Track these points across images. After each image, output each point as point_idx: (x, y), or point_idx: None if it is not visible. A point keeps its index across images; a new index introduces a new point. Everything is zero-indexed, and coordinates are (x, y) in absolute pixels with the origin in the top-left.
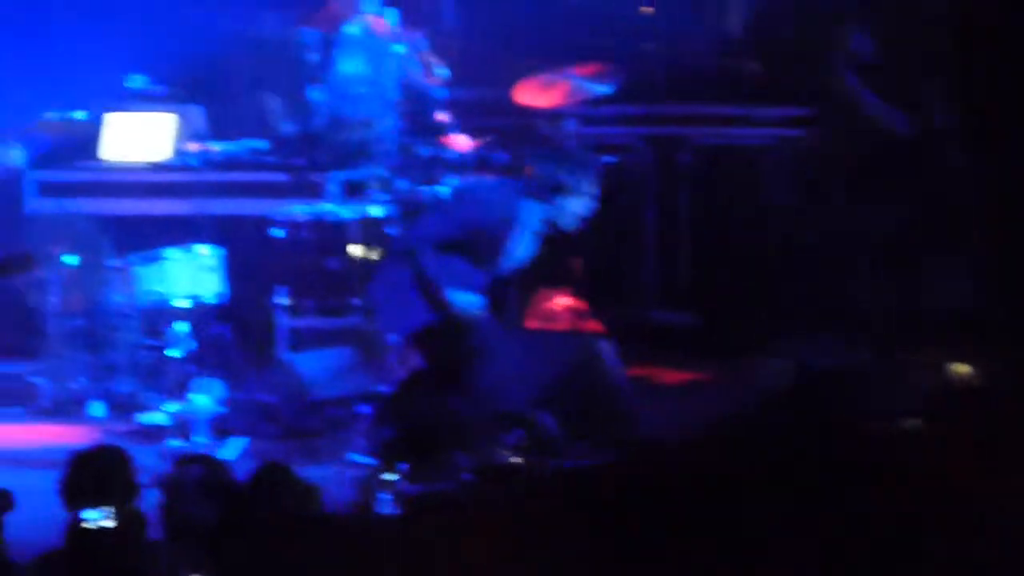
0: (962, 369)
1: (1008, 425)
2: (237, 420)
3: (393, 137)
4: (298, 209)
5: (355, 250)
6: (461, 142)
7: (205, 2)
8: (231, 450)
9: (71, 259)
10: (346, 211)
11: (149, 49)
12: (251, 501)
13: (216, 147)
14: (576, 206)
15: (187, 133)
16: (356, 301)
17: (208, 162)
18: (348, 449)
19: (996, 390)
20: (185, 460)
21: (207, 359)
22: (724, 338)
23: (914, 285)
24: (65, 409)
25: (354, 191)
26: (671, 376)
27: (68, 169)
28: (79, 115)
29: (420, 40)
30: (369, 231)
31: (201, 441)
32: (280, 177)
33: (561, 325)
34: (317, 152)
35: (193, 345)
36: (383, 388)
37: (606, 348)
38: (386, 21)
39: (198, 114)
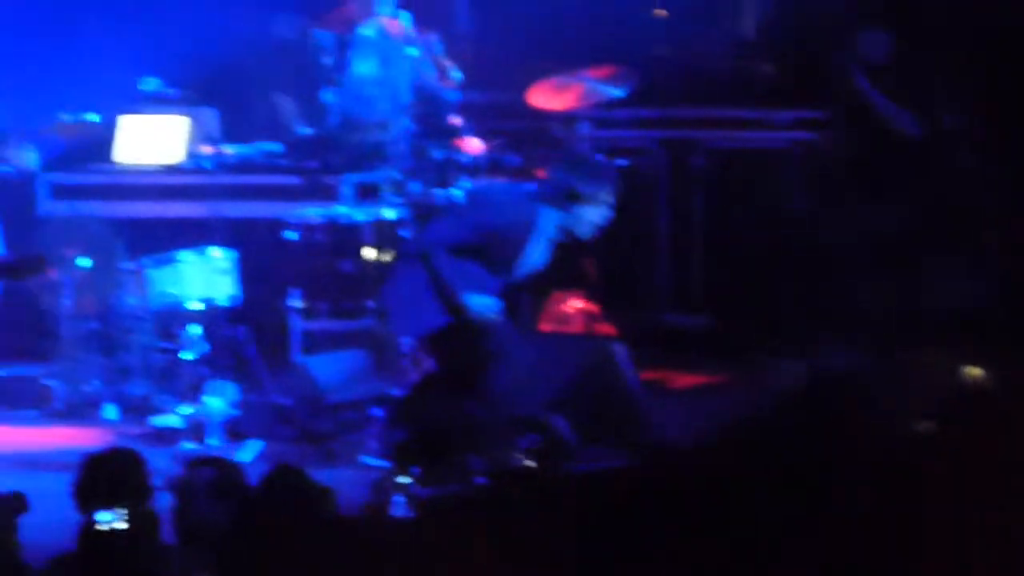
0: (974, 371)
1: (1020, 427)
2: (251, 423)
3: (407, 140)
4: (311, 212)
5: (368, 253)
6: (474, 145)
7: (218, 5)
8: (247, 453)
9: (84, 261)
10: (359, 214)
11: (162, 52)
12: (263, 504)
13: (229, 150)
14: (593, 215)
15: (200, 136)
16: (369, 304)
17: (221, 165)
18: (362, 452)
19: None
20: (197, 462)
21: (221, 362)
22: (737, 341)
23: (926, 287)
24: (79, 412)
25: (367, 193)
26: (684, 379)
27: (81, 172)
28: (93, 118)
29: (434, 42)
30: (382, 234)
31: (215, 444)
32: (293, 180)
33: (574, 328)
34: (331, 154)
35: (206, 348)
36: (396, 391)
37: (619, 351)
38: (400, 23)
39: (211, 117)
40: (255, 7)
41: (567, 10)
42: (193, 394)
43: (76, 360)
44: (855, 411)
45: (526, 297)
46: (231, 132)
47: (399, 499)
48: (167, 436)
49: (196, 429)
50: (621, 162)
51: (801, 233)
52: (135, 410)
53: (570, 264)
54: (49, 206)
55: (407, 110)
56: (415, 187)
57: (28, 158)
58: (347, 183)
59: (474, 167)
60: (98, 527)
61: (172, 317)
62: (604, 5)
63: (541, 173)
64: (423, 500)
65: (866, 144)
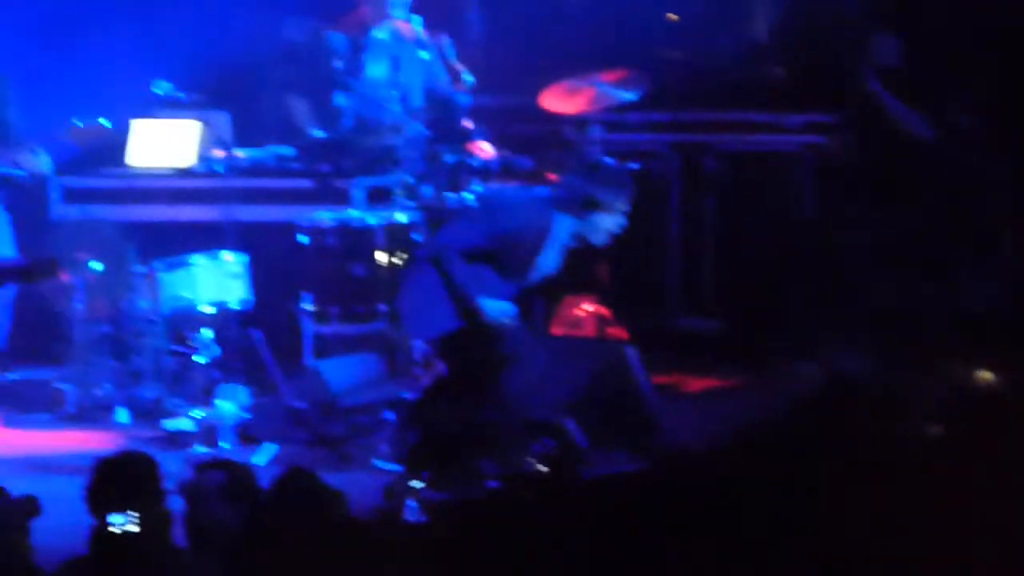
0: (986, 375)
1: None
2: (263, 426)
3: (419, 143)
4: (323, 215)
5: (380, 256)
6: (486, 149)
7: (230, 8)
8: (262, 456)
9: (97, 265)
10: (371, 217)
11: (174, 56)
12: (275, 507)
13: (241, 153)
14: (608, 223)
15: (212, 139)
16: (381, 307)
17: (233, 168)
18: (374, 456)
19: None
20: (207, 466)
21: (232, 365)
22: (749, 344)
23: (938, 290)
24: (91, 415)
25: (379, 197)
26: (696, 383)
27: (94, 175)
28: (106, 124)
29: (446, 46)
30: (394, 237)
31: (226, 447)
32: (305, 183)
33: (586, 332)
34: (343, 158)
35: (218, 351)
36: (408, 395)
37: (631, 355)
38: (412, 26)
39: (223, 120)
40: (266, 10)
41: (579, 14)
42: (205, 398)
43: (88, 364)
44: (869, 415)
45: (538, 301)
46: (243, 136)
47: (411, 503)
48: (179, 440)
49: (208, 433)
50: (633, 166)
51: (813, 236)
52: (147, 414)
53: (582, 268)
54: (61, 210)
55: (419, 114)
56: (427, 191)
57: (41, 163)
58: (359, 187)
59: (486, 171)
60: (111, 531)
61: (184, 321)
62: (616, 9)
63: (553, 177)
64: (435, 504)
65: (878, 147)
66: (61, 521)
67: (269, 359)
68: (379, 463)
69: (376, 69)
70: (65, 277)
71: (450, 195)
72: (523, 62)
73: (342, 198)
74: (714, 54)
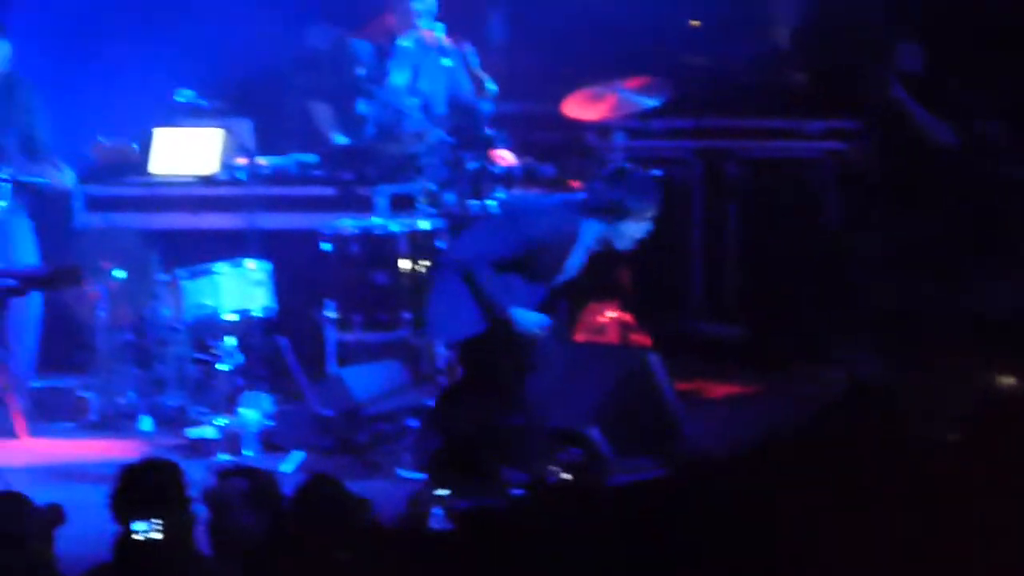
0: (1009, 380)
1: None
2: (287, 434)
3: (442, 151)
4: (346, 223)
5: (403, 264)
6: (508, 156)
7: (252, 16)
8: (289, 464)
9: (120, 273)
10: (394, 224)
11: (197, 64)
12: (298, 514)
13: (264, 161)
14: (635, 230)
15: (235, 147)
16: (405, 315)
17: (256, 176)
18: (399, 464)
19: None
20: (229, 473)
21: (256, 373)
22: (772, 351)
23: (961, 296)
24: (114, 423)
25: (402, 204)
26: (719, 389)
27: (116, 183)
28: (131, 144)
29: (470, 53)
30: (417, 244)
31: (250, 455)
32: (328, 191)
33: (609, 338)
34: (366, 165)
35: (242, 359)
36: (432, 402)
37: (655, 361)
38: (434, 34)
39: (246, 128)
40: (288, 18)
41: (601, 21)
42: (228, 405)
43: (111, 372)
44: (892, 420)
45: (561, 308)
46: (265, 143)
47: (437, 511)
48: (202, 448)
49: (231, 440)
50: (655, 172)
51: (834, 242)
52: (170, 422)
53: (605, 275)
54: (84, 218)
55: (442, 122)
56: (450, 198)
57: (66, 178)
58: (382, 194)
59: (508, 178)
60: (135, 538)
61: (207, 329)
62: (638, 16)
63: (575, 184)
64: (458, 513)
65: (899, 153)
66: (85, 529)
67: (295, 366)
68: (403, 472)
69: (400, 77)
70: (88, 286)
71: (473, 202)
72: (546, 69)
73: (365, 205)
74: (736, 60)
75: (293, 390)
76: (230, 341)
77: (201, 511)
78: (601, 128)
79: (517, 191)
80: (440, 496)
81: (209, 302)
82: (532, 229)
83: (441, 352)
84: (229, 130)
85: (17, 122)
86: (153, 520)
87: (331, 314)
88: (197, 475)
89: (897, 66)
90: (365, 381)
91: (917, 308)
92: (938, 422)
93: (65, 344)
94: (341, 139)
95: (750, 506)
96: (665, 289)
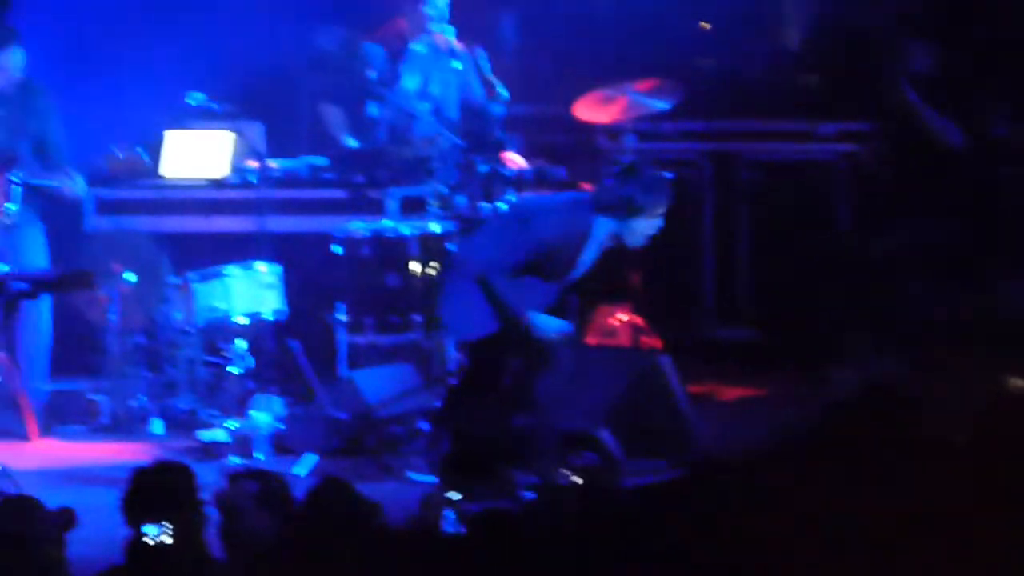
0: (1020, 382)
1: None
2: (299, 436)
3: (453, 154)
4: (357, 226)
5: (415, 266)
6: (518, 159)
7: (263, 18)
8: (303, 467)
9: (131, 276)
10: (405, 227)
11: (208, 66)
12: (310, 517)
13: (275, 164)
14: (646, 227)
15: (246, 150)
16: (416, 317)
17: (267, 179)
18: (410, 467)
19: None
20: (240, 476)
21: (267, 376)
22: (784, 353)
23: (973, 298)
24: (125, 426)
25: (413, 207)
26: (731, 392)
27: (127, 187)
28: (142, 150)
29: (482, 58)
30: (428, 247)
31: (261, 458)
32: (339, 194)
33: (621, 341)
34: (377, 168)
35: (253, 362)
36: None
37: (666, 364)
38: (445, 37)
39: (257, 131)
40: (299, 21)
41: (612, 23)
42: (239, 408)
43: (123, 375)
44: (905, 422)
45: (572, 309)
46: (276, 146)
47: (449, 514)
48: (213, 450)
49: (242, 443)
50: (666, 175)
51: (847, 244)
52: (181, 425)
53: (616, 277)
54: (95, 221)
55: (454, 125)
56: (461, 201)
57: (77, 187)
58: (393, 197)
59: (519, 181)
60: (146, 541)
61: (218, 331)
62: (648, 18)
63: (586, 186)
64: (472, 516)
65: (912, 155)
66: (96, 532)
67: (307, 369)
68: (414, 475)
69: (411, 81)
70: (99, 289)
71: (484, 205)
72: (556, 72)
73: (376, 208)
74: (747, 63)
75: (304, 393)
76: (241, 344)
77: (212, 514)
78: (612, 131)
79: (528, 193)
80: (451, 499)
81: (220, 305)
82: (543, 231)
83: (453, 354)
84: (240, 133)
85: (31, 128)
86: (164, 523)
87: (342, 317)
88: (208, 478)
89: (909, 67)
90: (376, 384)
91: (930, 309)
92: (951, 423)
93: (76, 347)
94: (352, 142)
95: (763, 508)
96: (676, 291)
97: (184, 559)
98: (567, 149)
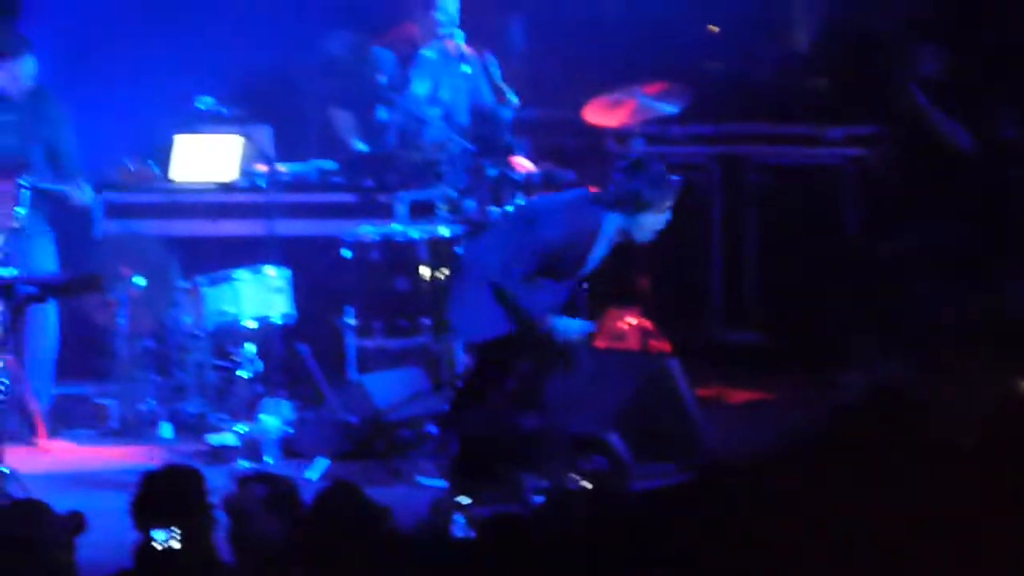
0: None
1: None
2: (308, 440)
3: (464, 158)
4: (367, 229)
5: (424, 270)
6: (527, 163)
7: (273, 22)
8: (315, 471)
9: (140, 280)
10: (414, 231)
11: (217, 70)
12: (319, 522)
13: (284, 168)
14: (654, 222)
15: (255, 154)
16: (425, 321)
17: (276, 183)
18: (419, 472)
19: None
20: (248, 479)
21: (276, 379)
22: (793, 356)
23: (981, 300)
24: (134, 430)
25: (422, 211)
26: (740, 395)
27: (137, 190)
28: (154, 167)
29: (492, 64)
30: (438, 251)
31: (270, 462)
32: (348, 197)
33: (630, 344)
34: (387, 172)
35: (262, 366)
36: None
37: (675, 367)
38: (455, 42)
39: (266, 134)
40: (308, 24)
41: (620, 27)
42: (248, 412)
43: (132, 379)
44: (913, 425)
45: (583, 307)
46: (286, 150)
47: (459, 519)
48: (223, 454)
49: (252, 447)
50: (675, 178)
51: (855, 248)
52: (190, 428)
53: (625, 281)
54: (105, 225)
55: (465, 130)
56: (470, 205)
57: (86, 196)
58: (402, 201)
59: (528, 184)
60: (155, 545)
61: (227, 335)
62: (657, 21)
63: (595, 190)
64: (481, 520)
65: (921, 159)
66: (106, 536)
67: (317, 373)
68: (423, 479)
69: (422, 87)
70: (108, 292)
71: (493, 209)
72: (565, 75)
73: (385, 212)
74: (755, 66)
75: (313, 397)
76: (250, 348)
77: (221, 518)
78: (620, 134)
79: (539, 197)
80: (461, 503)
81: (229, 309)
82: (550, 232)
83: (461, 358)
84: (249, 137)
85: (43, 136)
86: (173, 527)
87: (351, 321)
88: (217, 482)
89: (918, 71)
90: (385, 387)
91: (938, 313)
92: (959, 426)
93: (85, 351)
94: (361, 146)
95: (771, 512)
96: (685, 295)
97: (193, 563)
98: (576, 153)
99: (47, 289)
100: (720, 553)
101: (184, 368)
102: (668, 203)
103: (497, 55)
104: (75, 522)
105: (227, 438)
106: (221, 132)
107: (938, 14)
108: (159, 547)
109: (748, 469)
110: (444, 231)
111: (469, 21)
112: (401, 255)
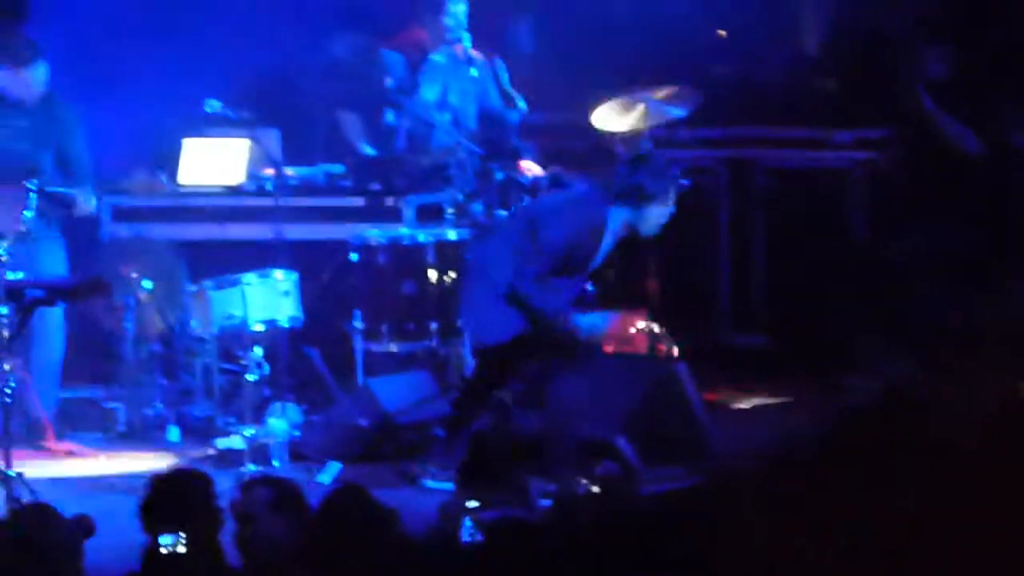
0: None
1: None
2: (314, 444)
3: (472, 162)
4: (374, 233)
5: (431, 274)
6: (532, 168)
7: (280, 26)
8: (326, 475)
9: (147, 284)
10: (422, 235)
11: (224, 74)
12: (326, 525)
13: (291, 171)
14: (659, 214)
15: (262, 157)
16: (432, 324)
17: (283, 186)
18: (427, 475)
19: None
20: (254, 483)
21: (284, 383)
22: (800, 360)
23: (989, 304)
24: (142, 434)
25: (430, 215)
26: (748, 399)
27: (144, 194)
28: (163, 179)
29: (500, 69)
30: (445, 255)
31: (278, 465)
32: (356, 201)
33: (637, 348)
34: (394, 175)
35: (269, 369)
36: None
37: (682, 371)
38: (465, 47)
39: (273, 138)
40: (316, 28)
41: (629, 30)
42: (256, 416)
43: (139, 383)
44: (921, 427)
45: (591, 302)
46: (293, 153)
47: (467, 523)
48: (230, 458)
49: (259, 451)
50: (683, 181)
51: (863, 251)
52: (198, 432)
53: (633, 284)
54: (111, 228)
55: (473, 134)
56: (477, 208)
57: (90, 202)
58: (409, 204)
59: (535, 188)
60: (162, 549)
61: (234, 339)
62: (665, 25)
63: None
64: (489, 524)
65: (929, 163)
66: (113, 540)
67: (327, 376)
68: (431, 483)
69: (431, 92)
70: (115, 296)
71: (500, 212)
72: (573, 79)
73: (392, 216)
74: (763, 70)
75: (321, 400)
76: (257, 351)
77: (228, 521)
78: (628, 138)
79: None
80: (469, 507)
81: (236, 312)
82: (556, 232)
83: (469, 361)
84: (256, 140)
85: (54, 142)
86: (181, 531)
87: (358, 324)
88: (225, 485)
89: (925, 73)
90: (393, 391)
91: (944, 316)
92: (962, 428)
93: (93, 355)
94: (369, 149)
95: (778, 515)
96: (693, 299)
97: (200, 567)
98: (584, 157)
99: (54, 293)
100: (728, 557)
101: (191, 372)
102: (672, 195)
103: (505, 59)
104: (83, 526)
105: (234, 442)
106: (229, 136)
107: (945, 15)
108: (166, 551)
109: (755, 473)
110: (451, 234)
111: (477, 25)
112: (408, 259)
